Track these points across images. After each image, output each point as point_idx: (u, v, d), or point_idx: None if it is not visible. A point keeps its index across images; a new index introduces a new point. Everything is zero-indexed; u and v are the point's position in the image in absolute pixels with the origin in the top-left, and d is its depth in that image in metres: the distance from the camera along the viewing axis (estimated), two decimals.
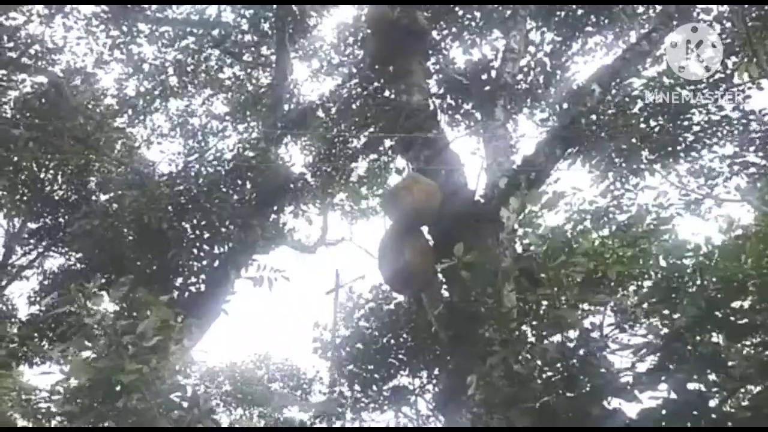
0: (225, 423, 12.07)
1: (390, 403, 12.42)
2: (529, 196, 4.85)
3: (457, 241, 5.55)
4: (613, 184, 8.81)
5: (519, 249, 6.48)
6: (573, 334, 4.85)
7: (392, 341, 11.77)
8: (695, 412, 4.10)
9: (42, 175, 11.62)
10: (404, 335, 11.71)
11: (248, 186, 9.30)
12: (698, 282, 4.63)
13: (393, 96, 8.48)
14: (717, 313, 4.33)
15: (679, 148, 8.28)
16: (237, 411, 12.71)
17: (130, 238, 8.36)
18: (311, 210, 11.68)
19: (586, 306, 5.36)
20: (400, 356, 11.84)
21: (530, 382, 4.69)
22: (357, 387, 12.37)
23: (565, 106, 7.62)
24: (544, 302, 5.16)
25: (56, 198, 11.61)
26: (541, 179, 6.64)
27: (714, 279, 4.58)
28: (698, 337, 4.37)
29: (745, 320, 4.22)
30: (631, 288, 6.92)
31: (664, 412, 4.19)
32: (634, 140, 8.25)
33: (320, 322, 12.84)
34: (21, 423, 5.91)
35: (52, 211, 11.58)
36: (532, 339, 5.06)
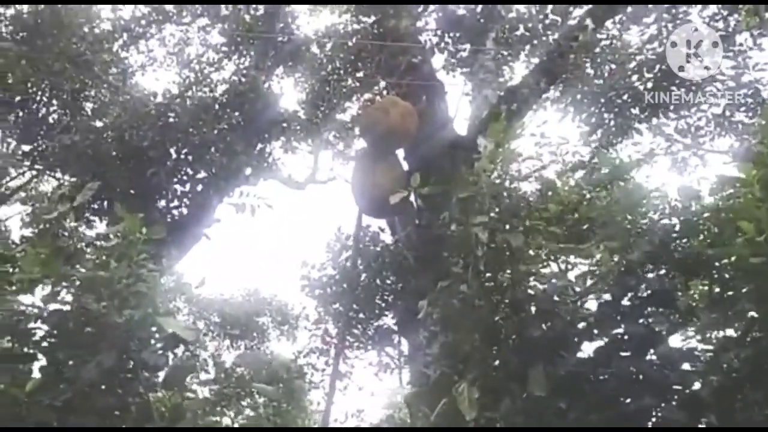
0: (211, 350, 12.31)
1: (374, 342, 12.59)
2: (491, 128, 4.65)
3: (432, 168, 5.47)
4: (600, 139, 8.69)
5: (496, 180, 6.35)
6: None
7: (377, 282, 11.83)
8: (645, 347, 4.07)
9: (37, 97, 11.55)
10: (389, 277, 11.76)
11: (236, 114, 9.20)
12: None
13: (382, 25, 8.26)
14: (670, 249, 4.26)
15: (669, 105, 8.12)
16: (225, 342, 12.92)
17: (113, 155, 8.36)
18: (302, 147, 11.60)
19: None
20: (386, 297, 11.92)
21: (479, 305, 4.67)
22: (341, 325, 12.53)
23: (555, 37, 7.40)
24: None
25: (51, 121, 11.56)
26: (523, 111, 6.50)
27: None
28: (649, 274, 4.32)
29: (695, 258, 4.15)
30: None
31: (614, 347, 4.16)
32: (625, 96, 8.10)
33: (308, 261, 12.93)
34: None
35: (47, 133, 11.54)
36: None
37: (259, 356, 12.39)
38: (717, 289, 4.08)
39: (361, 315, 12.24)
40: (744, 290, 3.82)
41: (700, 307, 4.33)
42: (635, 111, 8.43)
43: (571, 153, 8.04)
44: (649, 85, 8.02)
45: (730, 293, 3.90)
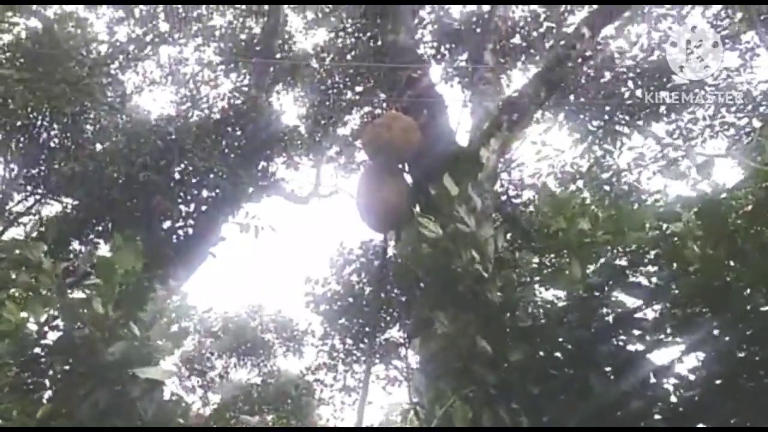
0: (219, 368, 12.27)
1: (380, 356, 12.57)
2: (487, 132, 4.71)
3: (436, 180, 5.47)
4: (591, 146, 8.75)
5: (499, 189, 6.43)
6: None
7: (382, 295, 11.83)
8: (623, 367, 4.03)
9: (37, 122, 11.60)
10: (394, 290, 11.76)
11: (237, 133, 9.23)
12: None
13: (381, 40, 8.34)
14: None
15: (658, 110, 8.19)
16: (231, 360, 12.89)
17: (119, 182, 8.37)
18: (304, 162, 11.64)
19: None
20: (390, 310, 11.93)
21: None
22: (349, 340, 12.53)
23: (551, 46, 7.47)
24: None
25: (52, 145, 11.61)
26: (524, 122, 6.52)
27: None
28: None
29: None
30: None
31: None
32: (608, 107, 8.19)
33: (312, 276, 12.94)
34: None
35: (48, 158, 11.57)
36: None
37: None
38: (677, 311, 3.98)
39: (366, 328, 12.25)
40: (699, 309, 3.79)
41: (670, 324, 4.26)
42: (624, 116, 8.52)
43: (569, 164, 8.11)
44: (638, 92, 8.09)
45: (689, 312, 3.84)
